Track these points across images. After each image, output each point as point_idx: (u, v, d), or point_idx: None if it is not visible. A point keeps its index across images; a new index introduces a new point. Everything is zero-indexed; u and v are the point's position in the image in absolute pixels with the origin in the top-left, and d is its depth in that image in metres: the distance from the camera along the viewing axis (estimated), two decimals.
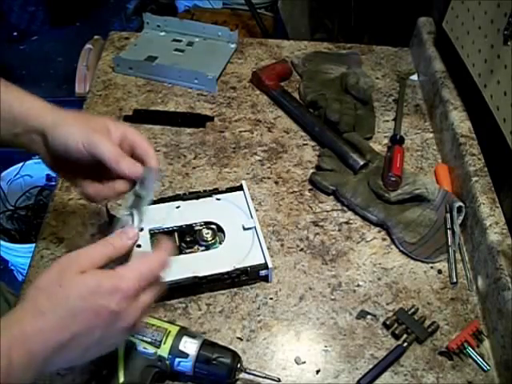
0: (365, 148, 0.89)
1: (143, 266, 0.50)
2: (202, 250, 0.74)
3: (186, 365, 0.60)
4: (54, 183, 1.53)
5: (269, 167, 0.89)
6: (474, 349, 0.68)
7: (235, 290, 0.72)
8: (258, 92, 1.04)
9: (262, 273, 0.72)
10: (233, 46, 1.13)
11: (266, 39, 1.19)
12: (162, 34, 1.15)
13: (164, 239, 0.55)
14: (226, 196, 0.81)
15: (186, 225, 0.76)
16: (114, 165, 0.57)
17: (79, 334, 0.46)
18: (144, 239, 0.73)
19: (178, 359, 0.60)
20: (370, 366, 0.66)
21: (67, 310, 0.46)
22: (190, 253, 0.74)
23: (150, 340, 0.60)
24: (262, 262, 0.72)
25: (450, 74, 0.99)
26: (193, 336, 0.61)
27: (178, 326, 0.62)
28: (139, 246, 0.72)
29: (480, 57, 0.84)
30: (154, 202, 0.78)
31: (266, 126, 0.97)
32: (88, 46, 1.81)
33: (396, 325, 0.70)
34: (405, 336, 0.69)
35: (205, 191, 0.81)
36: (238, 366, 0.61)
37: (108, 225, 0.77)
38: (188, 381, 0.62)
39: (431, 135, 0.98)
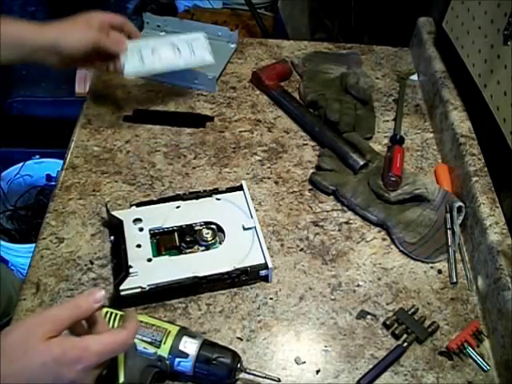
0: (365, 148, 0.89)
1: (109, 343, 0.51)
2: (202, 250, 0.74)
3: (185, 365, 0.60)
4: (53, 183, 1.53)
5: (269, 167, 0.89)
6: (474, 349, 0.68)
7: (235, 290, 0.72)
8: (258, 92, 1.04)
9: (262, 273, 0.72)
10: (233, 46, 1.13)
11: (266, 39, 1.19)
12: (162, 34, 1.15)
13: (132, 315, 0.55)
14: (226, 196, 0.80)
15: (186, 225, 0.76)
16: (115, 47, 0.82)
17: None
18: (144, 239, 0.73)
19: (177, 359, 0.60)
20: (370, 366, 0.66)
21: (28, 378, 0.47)
22: (189, 253, 0.74)
23: (149, 340, 0.60)
24: (262, 262, 0.72)
25: (450, 73, 0.99)
26: (193, 336, 0.61)
27: (177, 326, 0.62)
28: (139, 245, 0.72)
29: (480, 57, 0.84)
30: (154, 202, 0.79)
31: (266, 126, 0.97)
32: None
33: (396, 325, 0.70)
34: (405, 336, 0.69)
35: (205, 191, 0.81)
36: (238, 365, 0.61)
37: (108, 224, 0.77)
38: (188, 381, 0.62)
39: (431, 135, 0.98)
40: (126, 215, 0.76)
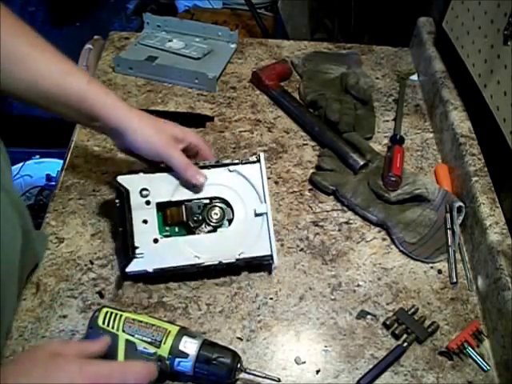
0: (365, 148, 0.89)
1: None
2: (209, 231, 0.72)
3: (185, 365, 0.60)
4: (53, 183, 1.53)
5: (269, 167, 0.89)
6: (473, 349, 0.68)
7: (235, 290, 0.72)
8: (257, 92, 1.04)
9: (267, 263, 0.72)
10: (233, 46, 1.13)
11: (266, 39, 1.19)
12: (162, 33, 1.15)
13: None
14: (241, 168, 0.74)
15: (195, 199, 0.73)
16: (183, 173, 0.71)
17: None
18: (151, 214, 0.71)
19: (177, 359, 0.60)
20: (370, 366, 0.66)
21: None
22: (196, 232, 0.72)
23: (149, 340, 0.60)
24: (268, 253, 0.71)
25: (450, 73, 0.99)
26: (193, 336, 0.61)
27: (177, 326, 0.62)
28: (146, 221, 0.71)
29: (480, 57, 0.84)
30: (163, 171, 0.73)
31: (266, 126, 0.97)
32: (88, 46, 1.81)
33: (396, 325, 0.70)
34: (405, 336, 0.69)
35: (217, 162, 0.74)
36: (238, 365, 0.61)
37: (116, 198, 0.72)
38: (188, 381, 0.62)
39: (431, 135, 0.98)
40: (132, 183, 0.71)
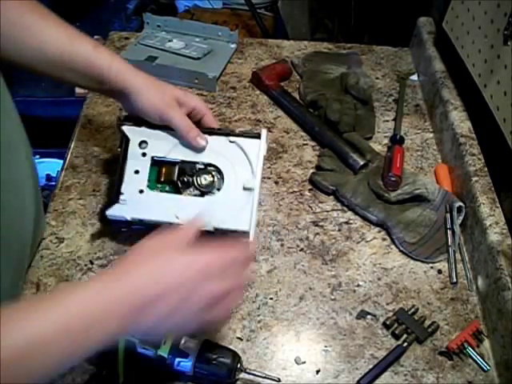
0: (365, 148, 0.89)
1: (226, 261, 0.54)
2: (195, 195, 0.73)
3: (185, 365, 0.60)
4: (53, 183, 1.53)
5: (269, 167, 0.89)
6: (474, 349, 0.68)
7: None
8: (257, 92, 1.04)
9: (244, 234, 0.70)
10: (233, 46, 1.13)
11: (266, 39, 1.19)
12: (162, 33, 1.15)
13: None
14: (241, 141, 0.74)
15: (190, 161, 0.73)
16: (185, 135, 0.72)
17: (163, 296, 0.49)
18: (144, 165, 0.73)
19: (177, 359, 0.60)
20: (370, 366, 0.66)
21: (162, 270, 0.50)
22: (182, 193, 0.73)
23: (150, 340, 0.60)
24: (246, 229, 0.69)
25: (450, 73, 0.99)
26: (193, 336, 0.61)
27: None
28: (137, 171, 0.72)
29: (480, 57, 0.84)
30: (167, 128, 0.74)
31: (266, 126, 0.97)
32: None
33: (396, 325, 0.70)
34: (405, 336, 0.69)
35: (220, 129, 0.75)
36: (238, 365, 0.61)
37: (119, 147, 0.74)
38: (188, 381, 0.62)
39: (431, 135, 0.98)
40: (134, 134, 0.74)
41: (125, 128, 0.74)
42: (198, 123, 0.75)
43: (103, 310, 0.45)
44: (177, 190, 0.74)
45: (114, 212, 0.70)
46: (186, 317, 0.51)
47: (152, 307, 0.48)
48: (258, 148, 0.73)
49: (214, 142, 0.74)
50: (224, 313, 0.55)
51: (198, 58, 1.08)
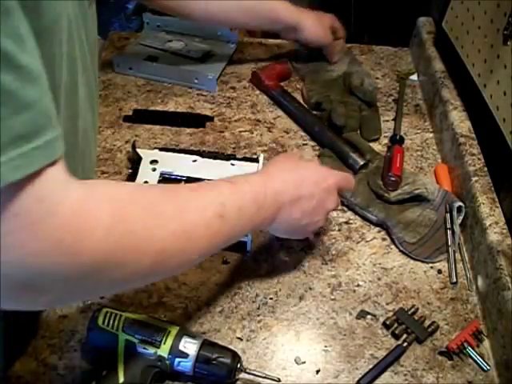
0: (364, 148, 0.89)
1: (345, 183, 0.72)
2: None
3: (185, 365, 0.60)
4: None
5: None
6: (473, 349, 0.68)
7: (235, 290, 0.72)
8: (257, 92, 1.04)
9: (242, 238, 0.74)
10: (233, 46, 1.13)
11: (266, 39, 1.19)
12: (162, 33, 1.15)
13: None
14: (241, 164, 0.85)
15: (196, 178, 0.80)
16: (329, 54, 1.08)
17: (304, 196, 0.64)
18: (153, 178, 0.80)
19: (177, 359, 0.60)
20: (370, 366, 0.66)
21: (299, 179, 0.64)
22: None
23: (149, 340, 0.60)
24: (244, 239, 0.74)
25: (449, 73, 0.99)
26: (193, 336, 0.61)
27: (177, 326, 0.62)
28: (146, 182, 0.79)
29: (480, 57, 0.84)
30: (176, 151, 0.86)
31: (266, 126, 0.97)
32: None
33: (396, 325, 0.70)
34: (405, 336, 0.69)
35: (222, 154, 0.87)
36: (238, 365, 0.61)
37: (130, 159, 0.83)
38: (188, 381, 0.62)
39: (431, 135, 0.98)
40: (146, 155, 0.84)
41: (139, 150, 0.85)
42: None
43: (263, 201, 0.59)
44: None
45: None
46: (310, 223, 0.66)
47: (288, 209, 0.62)
48: (256, 169, 0.82)
49: (218, 165, 0.84)
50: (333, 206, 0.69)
51: (198, 58, 1.08)
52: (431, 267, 0.77)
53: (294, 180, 0.63)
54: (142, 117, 0.97)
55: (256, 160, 0.85)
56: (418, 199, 0.83)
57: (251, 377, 0.62)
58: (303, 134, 0.96)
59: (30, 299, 0.40)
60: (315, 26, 1.00)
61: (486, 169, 0.81)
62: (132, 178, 0.80)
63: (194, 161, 0.83)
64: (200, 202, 0.51)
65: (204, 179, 0.81)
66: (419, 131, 0.98)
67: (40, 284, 0.39)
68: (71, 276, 0.39)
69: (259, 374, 0.61)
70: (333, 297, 0.73)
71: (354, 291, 0.74)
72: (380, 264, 0.77)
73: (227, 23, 1.02)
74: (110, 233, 0.40)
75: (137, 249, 0.43)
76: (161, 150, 0.86)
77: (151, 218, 0.45)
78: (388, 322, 0.69)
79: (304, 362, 0.66)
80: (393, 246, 0.79)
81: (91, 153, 0.63)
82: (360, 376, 0.65)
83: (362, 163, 0.86)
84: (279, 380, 0.61)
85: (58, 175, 0.38)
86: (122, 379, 0.58)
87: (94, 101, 0.59)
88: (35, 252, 0.36)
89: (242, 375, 0.62)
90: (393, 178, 0.82)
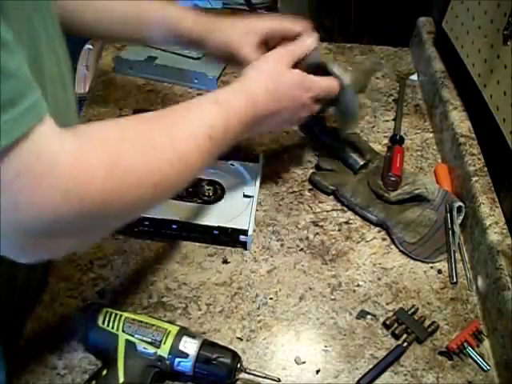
0: (365, 148, 0.89)
1: (328, 84, 0.73)
2: (199, 203, 0.79)
3: (185, 365, 0.60)
4: None
5: (269, 167, 0.89)
6: (473, 349, 0.68)
7: (235, 290, 0.72)
8: None
9: (242, 238, 0.75)
10: None
11: None
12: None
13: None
14: (241, 164, 0.85)
15: (195, 178, 0.80)
16: None
17: (283, 108, 0.68)
18: None
19: (177, 359, 0.60)
20: (370, 366, 0.66)
21: (280, 92, 0.67)
22: (188, 202, 0.79)
23: (150, 340, 0.60)
24: (245, 227, 0.75)
25: (449, 73, 0.99)
26: (193, 336, 0.61)
27: (177, 326, 0.62)
28: None
29: (480, 57, 0.84)
30: None
31: None
32: (88, 46, 1.81)
33: (396, 325, 0.70)
34: (405, 336, 0.69)
35: (222, 153, 0.85)
36: (238, 365, 0.61)
37: None
38: (188, 381, 0.62)
39: (431, 135, 0.98)
40: None
41: None
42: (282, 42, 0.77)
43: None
44: (181, 200, 0.78)
45: None
46: (291, 119, 0.72)
47: (265, 122, 0.67)
48: (255, 170, 0.84)
49: (218, 164, 0.83)
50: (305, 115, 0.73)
51: (198, 58, 1.08)
52: (431, 267, 0.77)
53: (275, 93, 0.66)
54: None
55: (256, 160, 0.85)
56: (418, 199, 0.83)
57: (251, 377, 0.62)
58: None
59: (52, 246, 0.44)
60: (221, 38, 0.75)
61: (486, 169, 0.81)
62: None
63: None
64: (190, 126, 0.54)
65: (204, 179, 0.81)
66: (419, 131, 0.98)
67: (56, 232, 0.42)
68: (82, 220, 0.43)
69: (259, 374, 0.61)
70: (333, 297, 0.73)
71: (354, 291, 0.74)
72: (380, 264, 0.77)
73: (112, 38, 0.84)
74: (108, 177, 0.43)
75: (137, 184, 0.46)
76: None
77: (146, 152, 0.47)
78: (388, 322, 0.69)
79: (304, 362, 0.66)
80: (393, 246, 0.79)
81: None
82: (360, 376, 0.65)
83: (362, 163, 0.86)
84: (279, 380, 0.61)
85: (49, 130, 0.40)
86: (122, 379, 0.58)
87: (66, 78, 0.58)
88: (44, 206, 0.39)
89: (242, 375, 0.62)
90: (393, 178, 0.82)
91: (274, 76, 0.67)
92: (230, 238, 0.76)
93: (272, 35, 0.76)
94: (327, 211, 0.83)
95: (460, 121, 0.89)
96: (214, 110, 0.58)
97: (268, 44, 0.76)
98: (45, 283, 0.71)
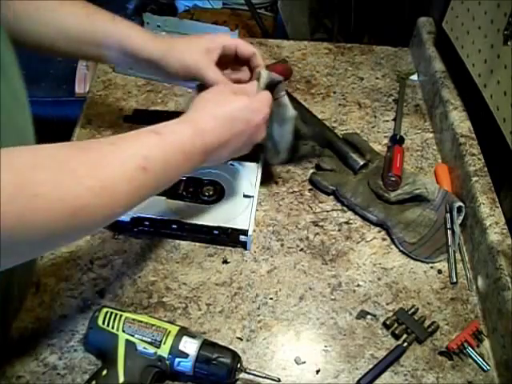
0: (365, 148, 0.89)
1: (269, 98, 0.69)
2: (199, 203, 0.79)
3: (185, 365, 0.60)
4: None
5: (269, 167, 0.89)
6: (473, 349, 0.68)
7: (235, 290, 0.72)
8: None
9: (242, 238, 0.75)
10: None
11: (266, 39, 1.19)
12: (162, 34, 1.15)
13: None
14: (241, 164, 0.85)
15: (196, 178, 0.81)
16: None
17: (235, 135, 0.63)
18: None
19: (177, 359, 0.60)
20: (370, 366, 0.66)
21: (230, 118, 0.63)
22: (188, 202, 0.79)
23: (149, 340, 0.60)
24: (245, 228, 0.75)
25: (450, 73, 0.99)
26: (193, 336, 0.61)
27: (177, 326, 0.62)
28: None
29: (480, 57, 0.84)
30: None
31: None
32: None
33: (396, 325, 0.70)
34: (405, 336, 0.69)
35: None
36: (238, 365, 0.61)
37: None
38: (188, 381, 0.62)
39: (431, 135, 0.98)
40: None
41: None
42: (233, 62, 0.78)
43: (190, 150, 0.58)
44: (181, 200, 0.79)
45: None
46: (247, 144, 0.67)
47: (217, 152, 0.62)
48: (255, 169, 0.84)
49: (220, 165, 0.81)
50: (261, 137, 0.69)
51: None
52: (431, 267, 0.77)
53: (223, 121, 0.62)
54: (141, 117, 0.97)
55: (256, 160, 0.85)
56: (418, 199, 0.83)
57: (251, 377, 0.62)
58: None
59: None
60: (176, 59, 0.72)
61: (486, 169, 0.81)
62: None
63: None
64: (120, 155, 0.51)
65: (204, 180, 0.81)
66: (419, 131, 0.98)
67: None
68: None
69: (259, 374, 0.61)
70: (333, 297, 0.73)
71: (354, 291, 0.74)
72: (380, 264, 0.77)
73: (58, 54, 0.73)
74: (14, 200, 0.42)
75: (48, 209, 0.44)
76: None
77: (61, 178, 0.46)
78: (388, 322, 0.69)
79: (304, 362, 0.66)
80: (393, 246, 0.79)
81: (17, 126, 0.61)
82: (360, 376, 0.65)
83: (362, 163, 0.86)
84: (279, 380, 0.61)
85: None
86: (122, 379, 0.59)
87: (9, 71, 0.57)
88: None
89: (242, 375, 0.62)
90: (393, 178, 0.82)
91: (221, 102, 0.64)
92: (230, 238, 0.76)
93: (226, 52, 0.74)
94: (327, 211, 0.83)
95: (460, 121, 0.89)
96: (152, 140, 0.55)
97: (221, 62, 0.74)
98: (30, 285, 0.71)
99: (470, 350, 0.68)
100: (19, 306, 0.68)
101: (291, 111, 0.76)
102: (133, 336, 0.60)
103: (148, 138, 0.55)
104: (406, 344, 0.67)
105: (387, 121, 1.00)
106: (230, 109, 0.63)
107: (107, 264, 0.74)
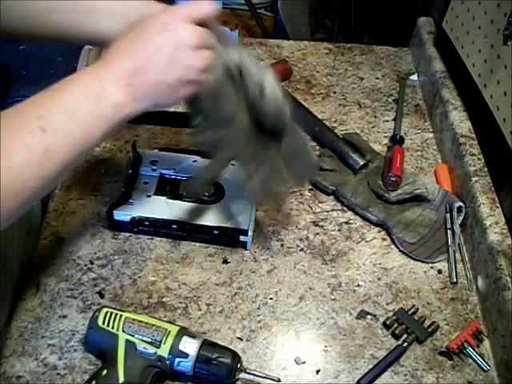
0: (365, 148, 0.89)
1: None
2: (199, 203, 0.78)
3: (185, 365, 0.60)
4: None
5: None
6: (473, 349, 0.68)
7: (235, 290, 0.72)
8: None
9: (242, 238, 0.75)
10: None
11: (266, 39, 1.19)
12: None
13: None
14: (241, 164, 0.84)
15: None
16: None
17: (150, 56, 0.54)
18: (153, 178, 0.80)
19: (177, 359, 0.60)
20: (370, 366, 0.66)
21: (138, 36, 0.54)
22: (187, 201, 0.78)
23: (150, 340, 0.60)
24: (245, 228, 0.75)
25: (450, 74, 0.99)
26: (193, 336, 0.61)
27: (177, 326, 0.62)
28: (146, 183, 0.80)
29: (480, 57, 0.84)
30: (176, 151, 0.86)
31: None
32: (88, 46, 1.81)
33: (396, 325, 0.70)
34: (405, 336, 0.69)
35: None
36: (238, 365, 0.61)
37: (131, 160, 0.83)
38: (188, 381, 0.62)
39: (431, 135, 0.98)
40: (146, 155, 0.84)
41: (139, 150, 0.84)
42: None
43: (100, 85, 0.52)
44: (181, 200, 0.79)
45: (120, 210, 0.75)
46: (176, 78, 0.55)
47: (140, 78, 0.54)
48: None
49: None
50: (199, 88, 0.58)
51: None
52: (431, 267, 0.77)
53: (130, 43, 0.54)
54: (142, 117, 0.96)
55: None
56: (418, 199, 0.83)
57: (251, 377, 0.62)
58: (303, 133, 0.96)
59: None
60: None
61: (486, 169, 0.81)
62: (132, 178, 0.80)
63: (195, 161, 0.83)
64: (9, 130, 0.47)
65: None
66: (419, 131, 0.98)
67: None
68: None
69: (259, 374, 0.61)
70: (333, 297, 0.73)
71: (354, 291, 0.74)
72: (380, 264, 0.77)
73: (48, 32, 0.65)
74: None
75: None
76: (161, 149, 0.86)
77: None
78: (388, 322, 0.69)
79: (304, 362, 0.66)
80: (393, 246, 0.79)
81: None
82: (360, 376, 0.65)
83: (362, 163, 0.86)
84: (279, 380, 0.61)
85: None
86: (122, 379, 0.59)
87: None
88: None
89: (242, 375, 0.62)
90: (393, 178, 0.82)
91: (138, 24, 0.55)
92: (230, 238, 0.76)
93: None
94: (327, 211, 0.83)
95: (460, 121, 0.89)
96: (45, 97, 0.50)
97: None
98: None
99: (469, 350, 0.68)
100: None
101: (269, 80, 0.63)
102: (133, 336, 0.60)
103: (41, 97, 0.50)
104: (406, 344, 0.67)
105: (387, 121, 1.00)
106: (135, 31, 0.55)
107: (107, 264, 0.74)
